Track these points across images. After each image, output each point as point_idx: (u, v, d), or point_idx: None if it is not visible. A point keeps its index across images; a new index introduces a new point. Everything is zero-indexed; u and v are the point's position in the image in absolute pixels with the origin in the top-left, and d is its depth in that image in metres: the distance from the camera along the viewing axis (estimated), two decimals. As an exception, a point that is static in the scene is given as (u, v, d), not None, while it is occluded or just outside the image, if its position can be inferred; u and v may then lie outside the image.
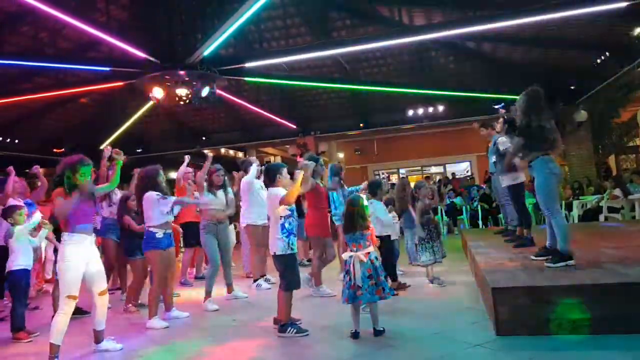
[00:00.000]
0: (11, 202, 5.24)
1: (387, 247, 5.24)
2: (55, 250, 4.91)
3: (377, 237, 5.17)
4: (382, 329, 3.75)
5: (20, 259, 4.62)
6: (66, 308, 3.65)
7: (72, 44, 10.48)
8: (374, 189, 5.49)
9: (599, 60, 9.50)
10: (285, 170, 4.22)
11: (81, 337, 4.27)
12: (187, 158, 6.65)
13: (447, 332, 3.74)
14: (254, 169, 6.20)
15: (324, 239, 5.41)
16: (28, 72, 10.77)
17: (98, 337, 3.94)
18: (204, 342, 4.06)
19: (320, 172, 5.47)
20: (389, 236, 5.33)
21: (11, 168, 5.40)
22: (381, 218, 5.25)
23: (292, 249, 4.03)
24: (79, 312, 5.23)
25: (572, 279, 3.70)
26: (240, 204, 6.58)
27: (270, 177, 4.19)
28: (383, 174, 19.09)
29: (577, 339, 3.27)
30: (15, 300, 4.64)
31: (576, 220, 10.22)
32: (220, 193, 5.61)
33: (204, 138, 15.13)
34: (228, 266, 5.66)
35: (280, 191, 4.05)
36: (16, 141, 12.91)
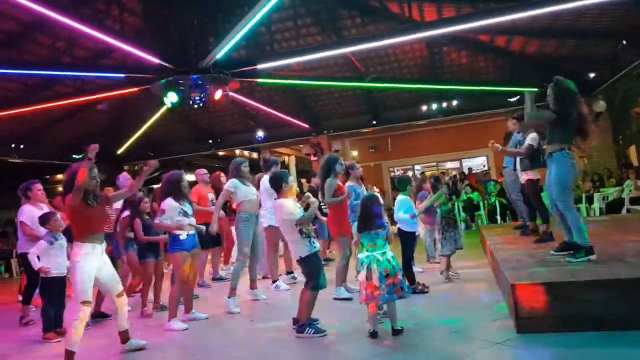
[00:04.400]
0: (45, 209, 5.29)
1: (407, 243, 5.24)
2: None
3: (400, 231, 5.18)
4: (400, 327, 3.74)
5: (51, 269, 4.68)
6: (81, 314, 3.66)
7: (88, 52, 10.65)
8: (404, 185, 5.49)
9: (616, 50, 9.30)
10: (290, 179, 4.25)
11: (104, 339, 4.36)
12: None
13: (467, 330, 3.72)
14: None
15: (347, 238, 5.32)
16: (47, 81, 10.99)
17: (124, 337, 4.02)
18: (223, 343, 4.10)
19: (340, 172, 5.50)
20: (413, 232, 5.34)
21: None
22: (398, 214, 5.24)
23: (314, 248, 4.04)
24: (101, 315, 5.35)
25: (593, 274, 3.64)
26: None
27: (276, 187, 4.21)
28: (397, 170, 18.97)
29: (599, 336, 3.21)
30: (44, 301, 4.74)
31: (597, 214, 10.03)
32: (250, 185, 5.67)
33: (219, 140, 15.30)
34: (256, 261, 5.71)
35: (286, 203, 4.08)
36: (37, 148, 13.20)
